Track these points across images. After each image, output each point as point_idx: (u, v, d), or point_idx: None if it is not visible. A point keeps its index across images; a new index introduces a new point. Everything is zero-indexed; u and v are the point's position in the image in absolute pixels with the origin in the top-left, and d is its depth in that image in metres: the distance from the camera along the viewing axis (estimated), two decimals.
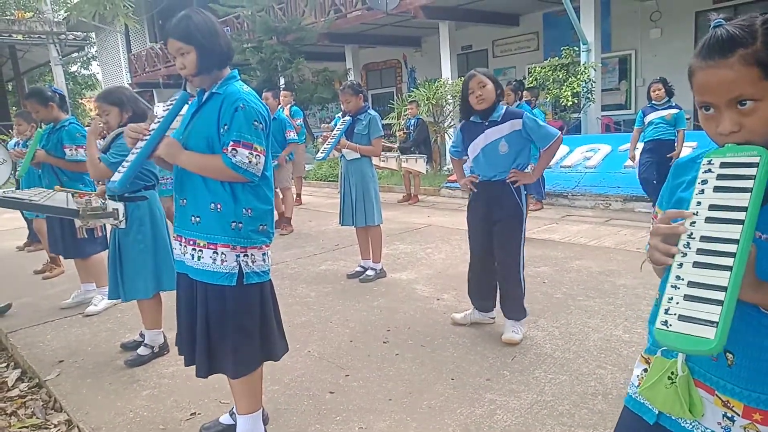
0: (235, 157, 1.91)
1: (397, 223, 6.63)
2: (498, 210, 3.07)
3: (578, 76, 9.10)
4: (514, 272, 3.10)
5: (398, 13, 11.32)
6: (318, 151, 4.60)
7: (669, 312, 0.91)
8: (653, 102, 6.04)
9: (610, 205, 6.86)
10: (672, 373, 1.04)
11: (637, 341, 3.00)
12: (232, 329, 2.02)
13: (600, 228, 5.91)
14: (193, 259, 2.03)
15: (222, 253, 1.99)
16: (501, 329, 3.17)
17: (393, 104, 12.30)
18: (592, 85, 9.26)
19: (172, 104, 2.03)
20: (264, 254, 2.09)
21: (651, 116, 6.02)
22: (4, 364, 3.33)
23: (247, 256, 2.02)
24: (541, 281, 4.12)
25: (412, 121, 8.93)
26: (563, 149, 8.26)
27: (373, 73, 17.43)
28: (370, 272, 4.45)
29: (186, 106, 2.10)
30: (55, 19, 15.14)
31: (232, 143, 1.91)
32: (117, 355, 3.16)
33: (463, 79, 3.11)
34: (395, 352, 3.03)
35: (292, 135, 6.69)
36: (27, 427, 2.53)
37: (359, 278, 4.43)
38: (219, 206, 1.98)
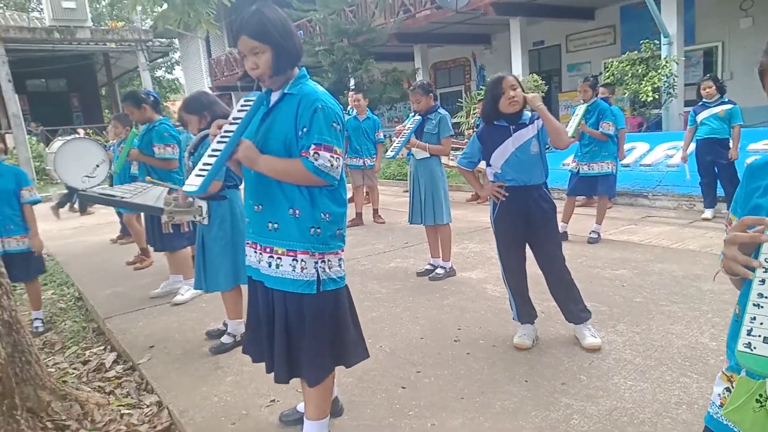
0: (317, 160, 1.83)
1: (466, 222, 6.59)
2: (539, 215, 2.96)
3: (659, 71, 8.66)
4: (567, 274, 3.04)
5: (468, 10, 11.23)
6: (385, 149, 4.69)
7: (752, 333, 0.86)
8: (704, 100, 5.80)
9: (694, 205, 6.48)
10: (760, 395, 0.96)
11: (725, 350, 2.82)
12: (310, 336, 1.98)
13: (684, 230, 5.60)
14: (270, 267, 1.97)
15: (302, 260, 1.93)
16: (572, 331, 3.09)
17: (461, 102, 12.21)
18: (674, 79, 8.79)
19: (247, 105, 1.92)
20: (340, 259, 2.04)
21: (703, 115, 5.81)
22: (102, 347, 3.61)
23: (325, 262, 1.97)
24: (620, 284, 3.97)
25: None
26: (643, 146, 7.89)
27: (442, 71, 17.37)
28: (439, 271, 4.46)
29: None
30: (143, 27, 16.18)
31: (313, 146, 1.84)
32: (202, 343, 3.36)
33: (514, 77, 2.93)
34: (466, 351, 3.02)
35: (381, 135, 6.92)
36: (124, 406, 2.74)
37: (429, 276, 4.44)
38: (297, 211, 1.92)
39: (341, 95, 12.41)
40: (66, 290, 4.98)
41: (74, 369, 3.27)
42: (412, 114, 4.58)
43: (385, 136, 13.48)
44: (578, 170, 5.37)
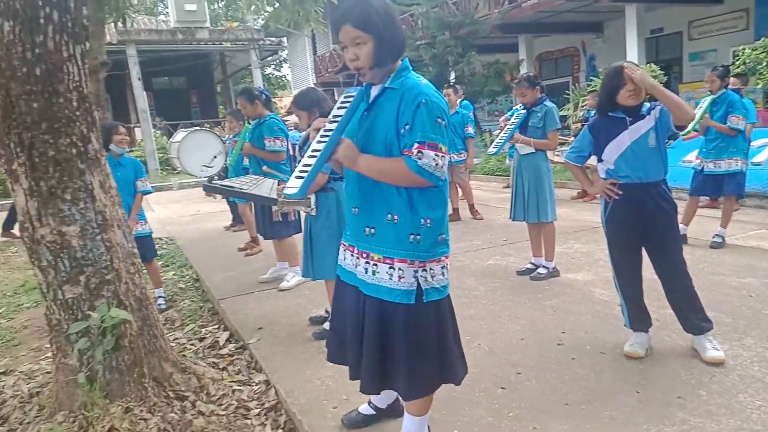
0: (421, 159, 1.71)
1: (571, 221, 6.30)
2: (657, 215, 2.74)
3: None
4: (688, 281, 2.80)
5: None
6: (485, 144, 4.59)
7: None
8: None
9: None
10: None
11: None
12: (408, 349, 1.85)
13: None
14: (366, 273, 1.88)
15: (399, 268, 1.82)
16: (690, 342, 2.86)
17: (569, 94, 11.66)
18: None
19: (346, 102, 1.85)
20: (443, 267, 1.90)
21: None
22: (216, 326, 3.88)
23: (426, 270, 1.84)
24: (746, 294, 3.60)
25: (592, 112, 8.37)
26: None
27: (548, 62, 16.70)
28: (541, 270, 4.30)
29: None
30: (255, 27, 17.14)
31: (417, 145, 1.72)
32: (306, 328, 3.50)
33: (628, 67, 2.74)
34: (571, 356, 2.89)
35: (470, 130, 6.78)
36: (235, 382, 2.93)
37: (530, 276, 4.30)
38: (395, 217, 1.81)
39: (441, 89, 12.35)
40: (185, 272, 5.42)
41: (192, 345, 3.55)
42: (516, 107, 4.44)
43: (484, 130, 13.30)
44: (702, 168, 4.91)
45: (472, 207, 6.98)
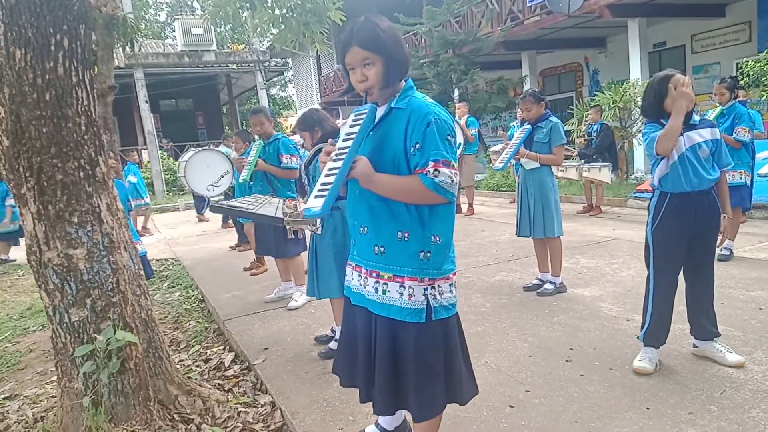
0: (437, 177, 1.71)
1: (577, 236, 6.27)
2: (707, 222, 2.75)
3: None
4: (713, 288, 2.85)
5: (581, 14, 10.75)
6: (489, 160, 4.60)
7: None
8: None
9: None
10: None
11: None
12: (417, 368, 1.83)
13: None
14: (376, 292, 1.86)
15: (409, 286, 1.80)
16: (700, 358, 2.85)
17: (572, 110, 11.70)
18: None
19: (359, 119, 1.83)
20: (451, 285, 1.88)
21: None
22: (222, 347, 3.87)
23: (435, 288, 1.83)
24: (756, 307, 3.56)
25: (595, 126, 8.38)
26: None
27: (551, 78, 16.75)
28: (548, 286, 4.27)
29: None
30: (261, 49, 17.36)
31: (432, 163, 1.71)
32: (311, 347, 3.49)
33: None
34: (579, 373, 2.86)
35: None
36: (240, 404, 2.91)
37: (537, 291, 4.28)
38: (406, 235, 1.80)
39: (445, 106, 12.43)
40: (191, 293, 5.41)
41: (197, 366, 3.53)
42: (516, 124, 4.46)
43: (489, 146, 13.33)
44: None
45: None
